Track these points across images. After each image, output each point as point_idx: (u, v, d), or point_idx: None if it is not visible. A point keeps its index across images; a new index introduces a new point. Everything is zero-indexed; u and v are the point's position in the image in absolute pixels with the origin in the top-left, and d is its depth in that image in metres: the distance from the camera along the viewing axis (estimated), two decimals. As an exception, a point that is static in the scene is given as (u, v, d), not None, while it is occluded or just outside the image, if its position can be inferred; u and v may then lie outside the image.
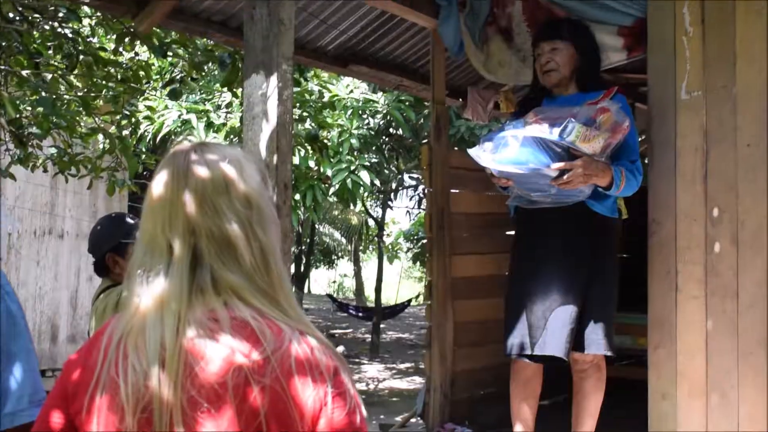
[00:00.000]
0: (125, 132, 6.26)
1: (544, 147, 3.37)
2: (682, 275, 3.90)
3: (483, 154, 3.51)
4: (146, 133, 8.88)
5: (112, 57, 5.63)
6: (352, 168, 8.65)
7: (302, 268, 24.14)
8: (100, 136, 5.86)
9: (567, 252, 3.67)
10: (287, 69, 3.44)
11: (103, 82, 5.66)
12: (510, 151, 3.42)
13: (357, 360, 16.60)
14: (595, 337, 3.65)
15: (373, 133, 9.30)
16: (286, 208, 3.37)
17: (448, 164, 4.63)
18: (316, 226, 30.30)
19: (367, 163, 8.79)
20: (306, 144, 5.13)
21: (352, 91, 8.73)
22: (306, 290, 41.76)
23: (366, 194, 9.21)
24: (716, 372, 3.80)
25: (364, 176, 8.62)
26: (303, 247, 24.17)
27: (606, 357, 3.80)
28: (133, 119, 5.95)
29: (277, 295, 1.38)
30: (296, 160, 8.22)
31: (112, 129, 5.85)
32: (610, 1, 4.11)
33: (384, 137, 10.46)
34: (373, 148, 9.24)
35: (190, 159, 1.41)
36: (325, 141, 6.49)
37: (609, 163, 3.51)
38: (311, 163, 8.30)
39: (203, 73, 6.47)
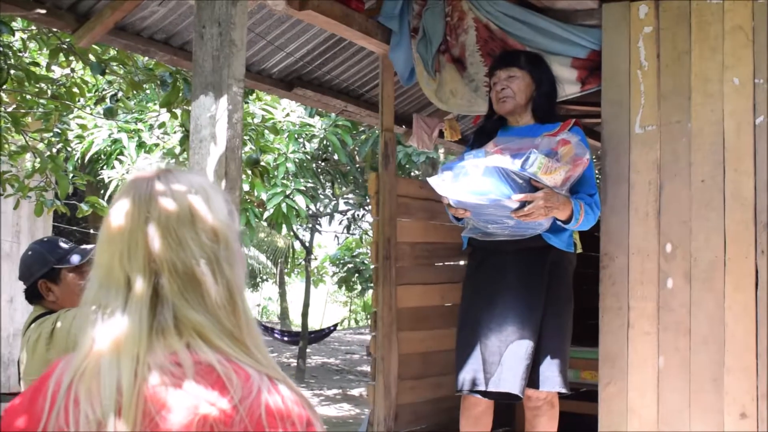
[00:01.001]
0: (55, 150, 6.02)
1: (506, 178, 3.29)
2: (634, 311, 3.86)
3: (442, 183, 3.43)
4: (74, 152, 8.61)
5: (44, 73, 5.42)
6: (288, 192, 8.51)
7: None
8: (29, 155, 5.63)
9: (522, 286, 3.59)
10: (238, 91, 3.31)
11: (34, 98, 5.44)
12: (470, 181, 3.34)
13: (283, 386, 16.40)
14: (550, 374, 3.58)
15: (309, 157, 9.18)
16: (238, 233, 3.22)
17: (395, 192, 4.53)
18: (243, 248, 29.94)
19: (302, 188, 8.67)
20: (246, 168, 5.00)
21: (288, 115, 8.60)
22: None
23: (300, 219, 9.07)
24: (667, 410, 3.76)
25: (300, 201, 8.49)
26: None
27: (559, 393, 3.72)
28: (64, 137, 5.71)
29: (243, 337, 1.26)
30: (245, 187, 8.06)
31: (40, 146, 5.61)
32: (563, 32, 4.07)
33: (320, 162, 10.34)
34: (309, 172, 9.11)
35: (154, 186, 1.28)
36: (266, 166, 6.35)
37: (569, 196, 3.46)
38: (245, 187, 8.13)
39: (135, 92, 6.29)
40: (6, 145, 5.51)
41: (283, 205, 8.45)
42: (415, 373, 4.72)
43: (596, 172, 6.02)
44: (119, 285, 1.23)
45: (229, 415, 1.14)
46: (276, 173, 8.34)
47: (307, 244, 19.23)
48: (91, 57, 4.62)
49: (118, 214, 1.27)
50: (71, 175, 5.99)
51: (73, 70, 5.37)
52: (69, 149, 8.52)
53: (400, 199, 4.62)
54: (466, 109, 4.36)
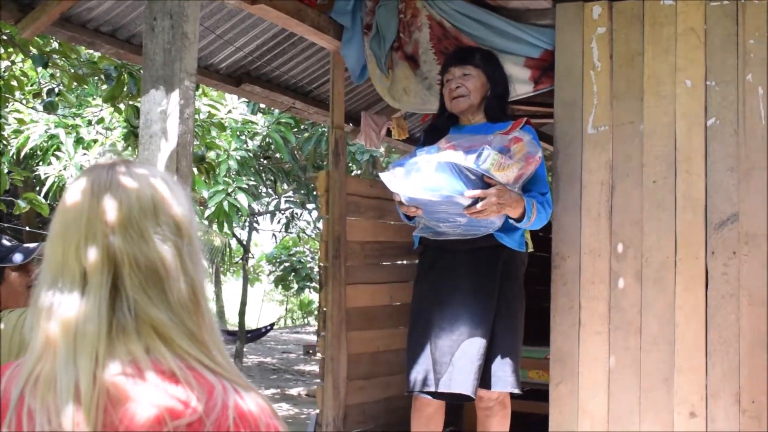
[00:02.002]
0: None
1: (459, 174, 3.26)
2: (585, 310, 3.87)
3: (394, 180, 3.38)
4: (9, 148, 8.37)
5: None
6: (230, 190, 8.39)
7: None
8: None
9: (474, 286, 3.57)
10: (190, 85, 3.23)
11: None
12: (423, 177, 3.30)
13: (219, 386, 16.22)
14: (502, 374, 3.56)
15: (251, 155, 9.06)
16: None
17: (345, 191, 4.48)
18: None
19: (244, 186, 8.55)
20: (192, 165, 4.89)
21: (230, 111, 8.48)
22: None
23: (241, 218, 8.97)
24: (618, 409, 3.78)
25: (242, 199, 8.37)
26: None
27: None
28: (1, 132, 5.54)
29: (205, 339, 1.19)
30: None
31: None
32: (517, 31, 4.06)
33: (262, 159, 10.22)
34: (251, 170, 9.00)
35: (114, 175, 1.20)
36: (211, 162, 6.24)
37: (521, 194, 3.44)
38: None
39: (77, 86, 6.13)
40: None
41: (225, 203, 8.34)
42: (365, 373, 4.68)
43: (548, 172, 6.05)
44: (74, 279, 1.15)
45: (194, 426, 1.08)
46: (218, 171, 8.21)
47: (245, 243, 19.07)
48: (33, 49, 4.48)
49: (74, 203, 1.19)
50: (7, 170, 5.82)
51: (13, 63, 5.20)
52: (4, 143, 8.29)
53: (350, 198, 4.56)
54: (419, 107, 4.33)
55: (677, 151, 3.76)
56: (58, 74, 5.23)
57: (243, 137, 8.80)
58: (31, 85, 5.91)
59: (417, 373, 3.60)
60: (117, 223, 1.17)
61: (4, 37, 4.83)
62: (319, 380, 4.49)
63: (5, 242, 3.49)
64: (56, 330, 1.13)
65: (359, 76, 4.45)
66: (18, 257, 3.49)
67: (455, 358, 3.48)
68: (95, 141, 7.96)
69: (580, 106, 3.94)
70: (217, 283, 33.18)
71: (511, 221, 3.48)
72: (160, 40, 3.22)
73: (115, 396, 1.08)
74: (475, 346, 3.48)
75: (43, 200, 5.66)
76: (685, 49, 3.78)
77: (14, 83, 5.37)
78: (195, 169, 5.11)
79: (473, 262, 3.59)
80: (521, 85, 4.11)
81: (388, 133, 5.86)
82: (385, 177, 3.43)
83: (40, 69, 4.69)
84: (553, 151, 4.04)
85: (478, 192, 3.26)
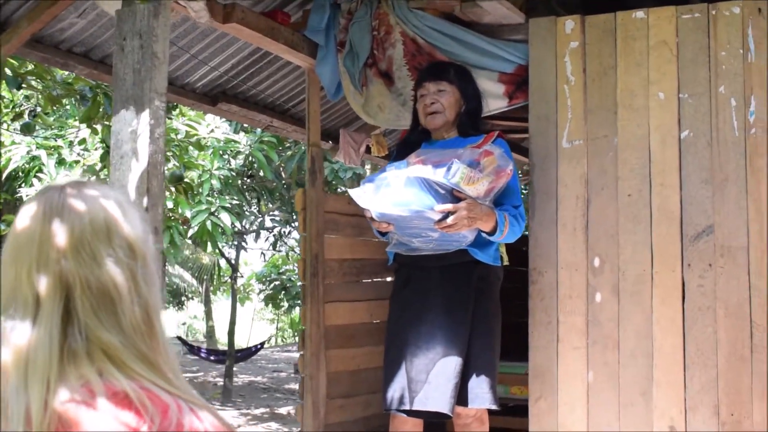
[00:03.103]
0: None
1: (428, 188, 3.25)
2: (563, 325, 3.86)
3: (363, 195, 3.36)
4: (-11, 169, 8.34)
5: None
6: (213, 210, 8.37)
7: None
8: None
9: (449, 301, 3.55)
10: (160, 105, 3.21)
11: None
12: (392, 192, 3.28)
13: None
14: (479, 391, 3.53)
15: (234, 174, 9.05)
16: (156, 253, 3.12)
17: (322, 208, 4.46)
18: (167, 267, 29.53)
19: (227, 205, 8.53)
20: (170, 185, 4.88)
21: (213, 131, 8.46)
22: (153, 333, 40.65)
23: (225, 237, 8.94)
24: (598, 424, 3.75)
25: (225, 218, 8.35)
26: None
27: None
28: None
29: (159, 361, 1.18)
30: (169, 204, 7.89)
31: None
32: (491, 47, 4.06)
33: (246, 178, 10.20)
34: (235, 189, 8.98)
35: (67, 197, 1.19)
36: (189, 182, 6.21)
37: (493, 207, 3.42)
38: (169, 204, 7.97)
39: (55, 107, 6.11)
40: None
41: (208, 223, 8.31)
42: (344, 391, 4.64)
43: (522, 186, 6.04)
44: (27, 305, 1.13)
45: None
46: (201, 190, 8.21)
47: (233, 262, 19.03)
48: (7, 71, 4.46)
49: (26, 226, 1.17)
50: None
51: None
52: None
53: (328, 215, 4.54)
54: (394, 123, 4.32)
55: (651, 164, 3.76)
56: (35, 96, 5.20)
57: (226, 156, 8.80)
58: (12, 108, 5.88)
59: (393, 391, 3.58)
60: (69, 246, 1.15)
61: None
62: (299, 399, 4.46)
63: None
64: (8, 357, 1.12)
65: (334, 94, 4.44)
66: None
67: (431, 376, 3.46)
68: (77, 162, 7.94)
69: (554, 120, 3.94)
70: (207, 303, 33.06)
71: (483, 235, 3.46)
72: (130, 60, 3.21)
73: (66, 422, 1.07)
74: (451, 363, 3.46)
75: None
76: (658, 62, 3.78)
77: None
78: (173, 189, 5.08)
79: (447, 278, 3.57)
80: (495, 100, 4.11)
81: (368, 150, 5.85)
82: (354, 193, 3.41)
83: (14, 91, 4.66)
84: (528, 165, 4.04)
85: (448, 206, 3.24)
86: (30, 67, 4.77)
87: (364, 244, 4.84)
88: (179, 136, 6.43)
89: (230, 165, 8.91)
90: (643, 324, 3.71)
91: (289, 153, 9.85)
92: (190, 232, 8.60)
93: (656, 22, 3.80)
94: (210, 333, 32.11)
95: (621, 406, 3.72)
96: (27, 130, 5.18)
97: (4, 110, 5.61)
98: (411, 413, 3.54)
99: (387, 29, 4.20)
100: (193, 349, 24.66)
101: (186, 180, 5.66)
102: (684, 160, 3.71)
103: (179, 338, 28.16)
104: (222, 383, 15.92)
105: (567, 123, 3.92)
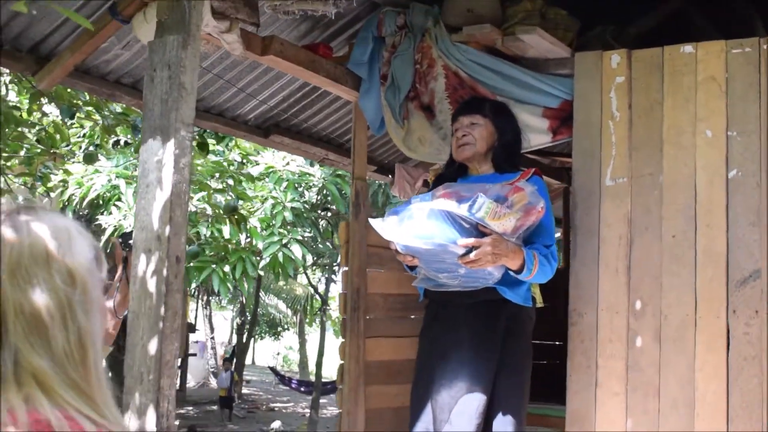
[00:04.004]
0: (43, 193, 5.97)
1: (452, 222, 3.15)
2: (603, 370, 3.70)
3: (386, 226, 3.29)
4: (73, 197, 8.59)
5: (24, 116, 5.39)
6: (284, 241, 8.42)
7: (244, 339, 23.75)
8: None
9: (476, 339, 3.43)
10: (186, 135, 3.22)
11: (17, 142, 5.40)
12: (415, 224, 3.20)
13: (293, 437, 16.16)
14: None
15: (308, 206, 9.10)
16: (177, 282, 3.12)
17: (366, 242, 4.40)
18: (261, 296, 29.97)
19: (299, 237, 8.57)
20: (224, 215, 4.91)
21: (288, 163, 8.54)
22: (250, 362, 41.22)
23: (298, 269, 8.99)
24: (636, 476, 3.57)
25: (296, 250, 8.39)
26: (245, 318, 23.80)
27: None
28: (47, 182, 5.67)
29: (92, 390, 1.16)
30: (227, 233, 8.00)
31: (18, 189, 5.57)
32: (535, 81, 3.96)
33: (320, 211, 10.26)
34: (308, 221, 9.03)
35: (9, 220, 1.19)
36: (243, 213, 6.25)
37: (521, 245, 3.30)
38: (225, 234, 8.09)
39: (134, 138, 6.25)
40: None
41: (280, 254, 8.37)
42: (386, 428, 4.55)
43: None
44: None
45: None
46: (273, 222, 8.28)
47: (323, 294, 19.12)
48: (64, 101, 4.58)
49: None
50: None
51: (44, 114, 5.33)
52: (68, 194, 8.51)
53: (372, 249, 4.49)
54: (434, 157, 4.25)
55: (697, 204, 3.59)
56: (92, 127, 5.32)
57: (300, 189, 8.85)
58: (88, 137, 6.04)
59: (419, 428, 3.49)
60: (6, 270, 1.14)
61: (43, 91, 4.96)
62: (335, 436, 4.40)
63: None
64: None
65: (378, 128, 4.40)
66: None
67: (453, 415, 3.35)
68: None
69: (598, 157, 3.81)
70: (302, 334, 33.33)
71: (511, 273, 3.34)
72: (158, 91, 3.24)
73: None
74: (474, 403, 3.34)
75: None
76: (706, 98, 3.62)
77: (57, 135, 5.51)
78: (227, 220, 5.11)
79: (474, 317, 3.47)
80: (539, 135, 4.01)
81: (426, 184, 5.78)
82: (376, 223, 3.35)
83: (70, 120, 4.78)
84: (571, 204, 3.91)
85: (471, 240, 3.14)
86: (88, 97, 4.89)
87: (409, 279, 4.74)
88: (232, 168, 6.47)
89: (304, 197, 8.97)
90: (685, 372, 3.53)
91: (364, 187, 9.86)
92: (262, 263, 8.68)
93: (705, 57, 3.65)
94: (303, 364, 32.32)
95: (661, 457, 3.54)
96: (89, 159, 5.29)
97: (73, 140, 5.75)
98: (435, 453, 3.44)
99: (430, 62, 4.14)
100: (284, 380, 24.85)
101: (244, 211, 5.67)
102: (731, 200, 3.53)
103: (271, 368, 28.50)
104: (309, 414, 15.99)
105: (611, 160, 3.79)
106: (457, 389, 3.37)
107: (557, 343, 5.03)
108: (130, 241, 3.30)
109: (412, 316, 4.82)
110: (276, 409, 22.19)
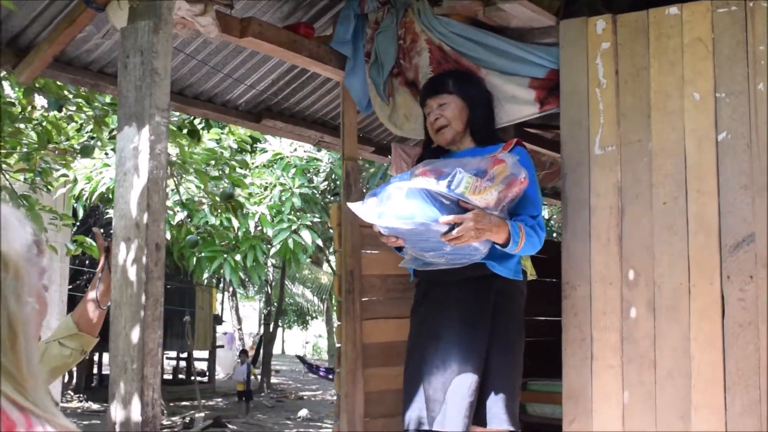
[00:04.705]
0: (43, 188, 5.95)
1: (431, 199, 3.09)
2: (597, 342, 3.64)
3: (365, 209, 3.23)
4: (83, 192, 8.62)
5: (20, 112, 5.38)
6: (294, 227, 8.39)
7: (270, 329, 23.79)
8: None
9: (466, 317, 3.38)
10: (161, 121, 3.19)
11: (14, 138, 5.40)
12: (394, 205, 3.13)
13: (319, 423, 16.17)
14: (497, 410, 3.35)
15: (317, 192, 9.06)
16: (158, 270, 3.09)
17: (358, 223, 4.35)
18: (288, 286, 30.00)
19: (308, 223, 8.53)
20: (221, 202, 4.89)
21: (295, 149, 8.51)
22: (280, 351, 41.35)
23: (307, 255, 8.95)
24: (634, 449, 3.51)
25: (306, 236, 8.36)
26: (272, 308, 23.84)
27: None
28: (47, 177, 5.66)
29: (22, 377, 1.15)
30: (236, 222, 7.98)
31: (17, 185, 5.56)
32: (520, 51, 3.88)
33: (331, 196, 10.23)
34: (317, 207, 9.00)
35: None
36: (239, 200, 6.23)
37: (506, 217, 3.23)
38: (251, 224, 8.07)
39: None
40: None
41: (290, 241, 8.34)
42: (388, 410, 4.50)
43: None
44: None
45: None
46: (283, 209, 8.25)
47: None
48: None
49: None
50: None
51: (35, 108, 5.31)
52: (79, 190, 8.53)
53: (368, 231, 4.42)
54: (420, 133, 4.15)
55: (687, 169, 3.50)
56: (81, 119, 5.30)
57: (308, 174, 8.81)
58: (77, 131, 6.03)
59: (412, 412, 3.45)
60: None
61: (37, 85, 4.94)
62: (334, 419, 4.36)
63: None
64: None
65: (366, 107, 4.34)
66: None
67: (448, 394, 3.31)
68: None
69: (586, 125, 3.74)
70: (329, 321, 33.36)
71: (498, 247, 3.27)
72: (132, 77, 3.20)
73: None
74: (467, 380, 3.29)
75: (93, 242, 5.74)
76: (692, 60, 3.53)
77: (53, 130, 5.49)
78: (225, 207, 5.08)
79: (464, 293, 3.41)
80: (526, 106, 3.92)
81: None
82: (355, 207, 3.29)
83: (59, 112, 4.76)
84: (560, 174, 3.84)
85: (452, 217, 3.08)
86: (80, 90, 4.86)
87: (407, 260, 4.70)
88: (227, 154, 6.43)
89: (313, 183, 8.94)
90: (680, 341, 3.46)
91: (372, 170, 9.81)
92: (273, 251, 8.66)
93: (690, 17, 3.56)
94: (332, 351, 32.33)
95: (659, 430, 3.46)
96: (86, 152, 5.27)
97: (71, 134, 5.73)
98: (430, 433, 3.39)
99: (413, 37, 4.08)
100: (311, 368, 24.87)
101: (237, 197, 5.64)
102: (721, 164, 3.44)
103: (299, 357, 28.56)
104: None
105: (599, 128, 3.71)
106: (450, 369, 3.32)
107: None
108: (112, 231, 3.28)
109: (410, 297, 4.77)
110: (305, 397, 22.23)
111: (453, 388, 3.30)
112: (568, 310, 3.71)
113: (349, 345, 4.29)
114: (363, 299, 4.39)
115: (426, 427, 3.37)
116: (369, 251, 4.46)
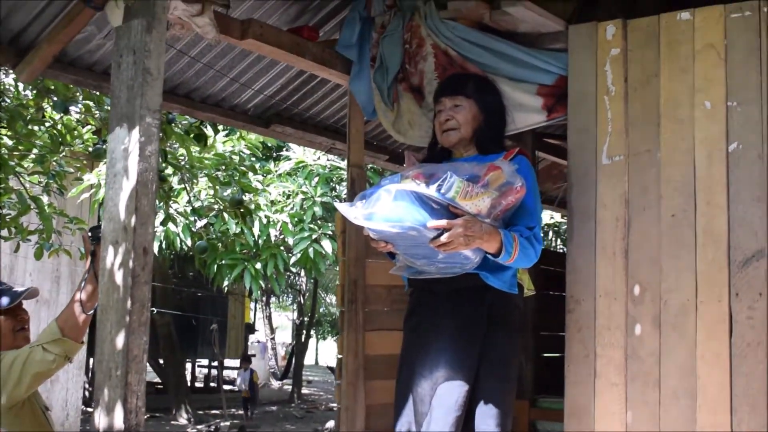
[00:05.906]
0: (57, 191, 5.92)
1: (421, 203, 2.97)
2: (601, 359, 3.50)
3: (352, 211, 3.11)
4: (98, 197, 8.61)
5: (33, 114, 5.36)
6: (315, 236, 8.32)
7: (303, 339, 23.71)
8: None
9: (456, 327, 3.25)
10: (152, 122, 3.12)
11: (29, 141, 5.38)
12: (382, 207, 3.02)
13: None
14: (485, 427, 3.22)
15: (339, 201, 8.98)
16: (145, 274, 3.02)
17: (364, 231, 4.24)
18: (322, 296, 29.92)
19: (329, 232, 8.45)
20: (230, 209, 4.82)
21: (318, 158, 8.45)
22: (313, 362, 41.24)
23: (327, 264, 8.86)
24: (637, 472, 3.37)
25: (327, 245, 8.28)
26: (304, 318, 23.77)
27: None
28: (60, 180, 5.64)
29: None
30: (256, 230, 7.93)
31: (30, 188, 5.53)
32: (528, 57, 3.76)
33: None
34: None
35: None
36: (248, 207, 6.15)
37: (500, 227, 3.10)
38: (272, 232, 8.02)
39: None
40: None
41: (311, 250, 8.27)
42: (390, 424, 4.38)
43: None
44: None
45: None
46: (305, 217, 8.18)
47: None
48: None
49: None
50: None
51: (41, 110, 5.29)
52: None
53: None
54: (424, 140, 4.04)
55: (696, 180, 3.37)
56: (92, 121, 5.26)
57: (332, 183, 8.74)
58: (93, 134, 6.00)
59: (401, 425, 3.35)
60: None
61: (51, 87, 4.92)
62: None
63: None
64: None
65: (371, 113, 4.23)
66: (4, 300, 3.47)
67: (434, 403, 3.19)
68: (183, 189, 8.05)
69: (594, 134, 3.61)
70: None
71: (489, 257, 3.15)
72: (125, 77, 3.14)
73: None
74: (454, 394, 3.16)
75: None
76: (704, 67, 3.40)
77: (66, 133, 5.47)
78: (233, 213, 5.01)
79: (456, 304, 3.28)
80: (533, 114, 3.80)
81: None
82: (342, 208, 3.18)
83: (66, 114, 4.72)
84: (566, 184, 3.72)
85: (442, 222, 2.95)
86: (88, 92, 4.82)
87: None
88: (236, 159, 6.36)
89: (336, 192, 8.86)
90: (686, 360, 3.31)
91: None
92: (293, 259, 8.59)
93: (702, 23, 3.42)
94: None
95: (663, 452, 3.33)
96: (96, 156, 5.23)
97: (85, 137, 5.70)
98: (417, 447, 3.28)
99: (419, 42, 3.97)
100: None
101: (246, 204, 5.57)
102: (732, 175, 3.30)
103: (329, 368, 28.45)
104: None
105: (607, 137, 3.58)
106: (436, 378, 3.20)
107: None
108: (100, 234, 3.21)
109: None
110: (335, 408, 22.15)
111: (438, 400, 3.18)
112: (572, 325, 3.58)
113: (351, 356, 4.19)
114: (367, 309, 4.28)
115: (415, 439, 3.27)
116: (374, 260, 4.35)
